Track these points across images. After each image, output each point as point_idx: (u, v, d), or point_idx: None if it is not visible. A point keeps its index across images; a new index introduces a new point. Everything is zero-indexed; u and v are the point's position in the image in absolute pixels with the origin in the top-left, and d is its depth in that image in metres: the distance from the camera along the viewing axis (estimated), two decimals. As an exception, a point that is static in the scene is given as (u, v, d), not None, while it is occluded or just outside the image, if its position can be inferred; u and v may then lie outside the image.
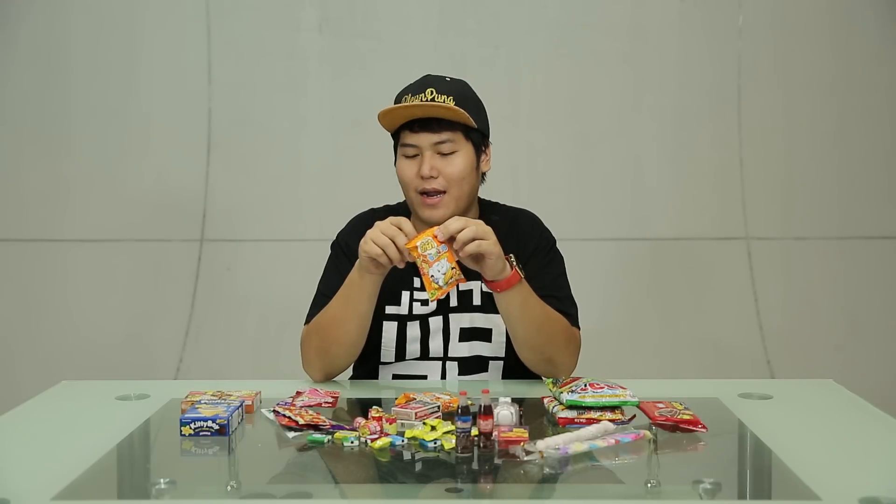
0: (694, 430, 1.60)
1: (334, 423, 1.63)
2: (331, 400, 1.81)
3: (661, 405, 1.67)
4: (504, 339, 2.00)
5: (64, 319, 3.95)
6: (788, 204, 4.04)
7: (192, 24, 4.01)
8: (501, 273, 1.82)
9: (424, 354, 2.02)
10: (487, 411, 1.50)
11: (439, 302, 2.01)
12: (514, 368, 2.00)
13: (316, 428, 1.61)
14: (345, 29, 4.03)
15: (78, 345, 3.88)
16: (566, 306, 1.99)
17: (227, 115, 4.04)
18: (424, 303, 2.01)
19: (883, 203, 4.02)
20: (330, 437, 1.58)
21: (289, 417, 1.64)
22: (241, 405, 1.70)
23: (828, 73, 4.02)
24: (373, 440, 1.55)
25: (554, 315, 1.92)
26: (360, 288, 1.88)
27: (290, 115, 4.04)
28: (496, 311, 1.92)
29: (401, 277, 1.97)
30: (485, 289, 1.97)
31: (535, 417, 1.71)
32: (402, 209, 2.08)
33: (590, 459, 1.48)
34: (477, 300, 2.02)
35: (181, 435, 1.59)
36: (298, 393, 1.83)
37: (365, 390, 1.96)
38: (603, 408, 1.64)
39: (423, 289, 1.94)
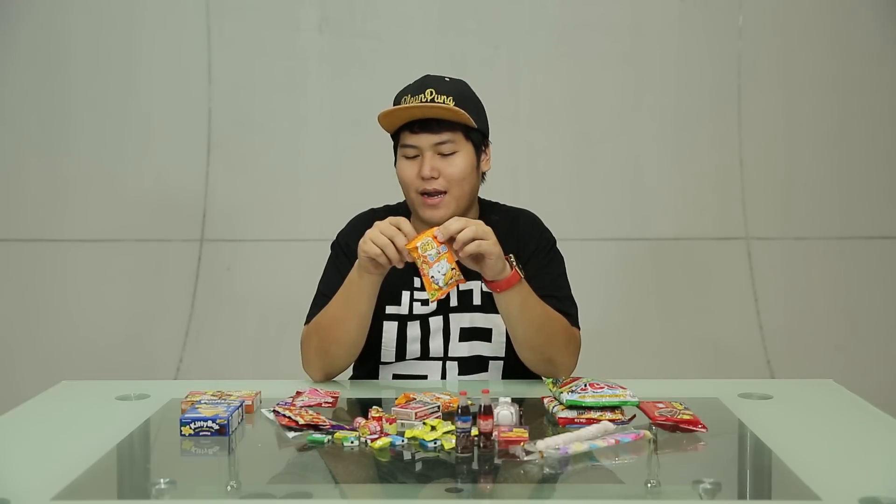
0: (694, 430, 1.60)
1: (334, 423, 1.63)
2: (331, 400, 1.81)
3: (661, 405, 1.67)
4: (504, 339, 2.00)
5: (64, 319, 3.95)
6: (788, 204, 4.04)
7: (192, 24, 4.01)
8: (501, 273, 1.82)
9: (425, 354, 2.02)
10: (487, 411, 1.50)
11: (439, 302, 2.01)
12: (514, 368, 2.00)
13: (316, 428, 1.61)
14: (345, 29, 4.03)
15: (78, 345, 3.88)
16: (566, 306, 1.99)
17: (227, 115, 4.04)
18: (425, 303, 2.01)
19: (883, 203, 4.02)
20: (330, 437, 1.58)
21: (289, 417, 1.64)
22: (241, 405, 1.70)
23: (828, 73, 4.02)
24: (373, 440, 1.55)
25: (554, 315, 1.92)
26: (359, 288, 1.88)
27: (290, 115, 4.04)
28: (496, 311, 1.92)
29: (401, 277, 1.97)
30: (485, 289, 1.97)
31: (535, 417, 1.71)
32: (402, 209, 2.08)
33: (590, 459, 1.48)
34: (477, 300, 2.02)
35: (181, 435, 1.59)
36: (298, 393, 1.83)
37: (365, 390, 1.96)
38: (603, 408, 1.64)
39: (423, 289, 1.94)
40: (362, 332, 1.94)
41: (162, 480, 1.43)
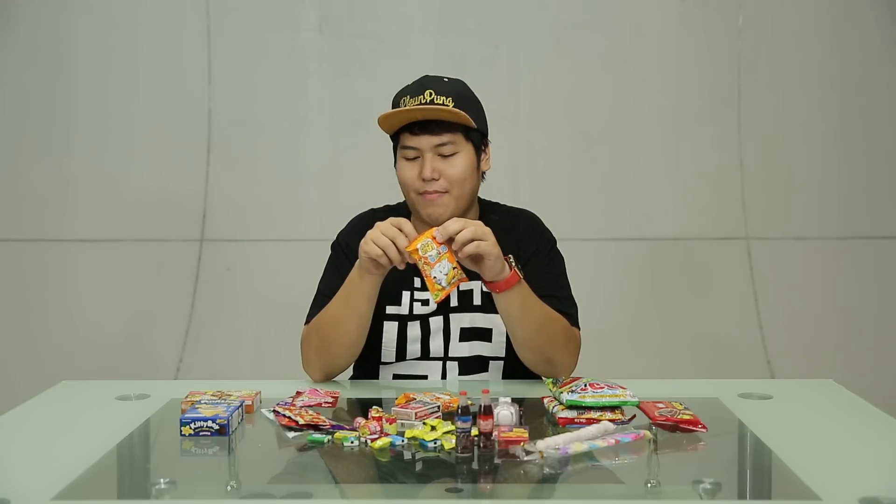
0: (694, 430, 1.60)
1: (334, 423, 1.63)
2: (331, 400, 1.81)
3: (661, 405, 1.67)
4: (504, 339, 2.00)
5: (64, 319, 3.95)
6: (788, 204, 4.04)
7: (192, 24, 4.02)
8: (500, 274, 1.82)
9: (425, 354, 2.02)
10: (487, 411, 1.50)
11: (440, 302, 2.00)
12: (514, 368, 2.00)
13: (316, 428, 1.61)
14: (345, 29, 4.03)
15: (78, 345, 3.88)
16: (566, 306, 1.99)
17: (227, 115, 4.04)
18: (425, 303, 2.01)
19: (883, 203, 4.02)
20: (330, 437, 1.58)
21: (289, 417, 1.64)
22: (241, 405, 1.70)
23: (828, 73, 4.02)
24: (373, 440, 1.55)
25: (554, 315, 1.92)
26: (359, 288, 1.88)
27: (290, 115, 4.04)
28: (496, 311, 1.92)
29: (401, 277, 1.97)
30: (485, 289, 1.97)
31: (535, 417, 1.71)
32: (402, 209, 2.08)
33: (590, 459, 1.48)
34: (477, 300, 2.02)
35: (181, 435, 1.59)
36: (298, 393, 1.83)
37: (365, 390, 1.96)
38: (603, 408, 1.64)
39: (423, 289, 1.95)
40: (362, 332, 1.94)
41: (162, 480, 1.43)
